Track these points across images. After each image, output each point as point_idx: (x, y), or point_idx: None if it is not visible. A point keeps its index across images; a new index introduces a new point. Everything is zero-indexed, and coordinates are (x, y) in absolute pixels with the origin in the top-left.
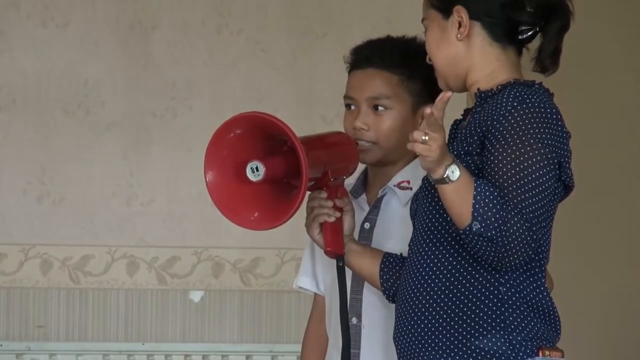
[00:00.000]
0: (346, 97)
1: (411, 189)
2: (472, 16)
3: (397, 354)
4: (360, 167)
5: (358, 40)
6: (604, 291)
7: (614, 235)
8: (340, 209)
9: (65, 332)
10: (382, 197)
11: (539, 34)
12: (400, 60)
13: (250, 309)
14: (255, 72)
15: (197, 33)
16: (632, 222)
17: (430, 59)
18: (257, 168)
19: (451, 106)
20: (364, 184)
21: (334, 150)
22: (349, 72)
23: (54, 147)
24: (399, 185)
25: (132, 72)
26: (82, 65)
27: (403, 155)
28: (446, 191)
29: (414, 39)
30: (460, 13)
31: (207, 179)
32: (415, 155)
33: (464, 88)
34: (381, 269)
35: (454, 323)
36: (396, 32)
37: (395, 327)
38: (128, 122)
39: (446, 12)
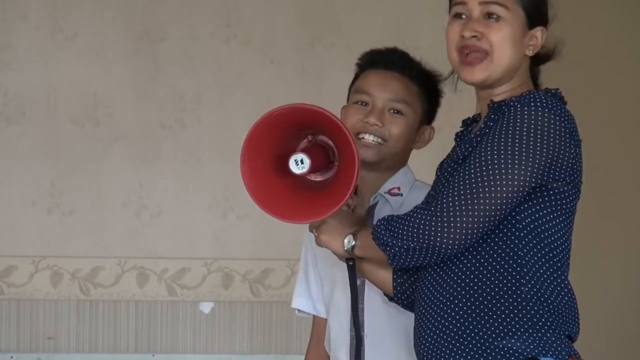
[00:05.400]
0: (362, 92)
1: (402, 194)
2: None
3: None
4: None
5: (366, 50)
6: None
7: (622, 236)
8: (348, 207)
9: (75, 343)
10: (374, 205)
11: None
12: (420, 74)
13: (260, 320)
14: (264, 83)
15: (206, 44)
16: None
17: (492, 46)
18: (302, 161)
19: (454, 108)
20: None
21: None
22: (365, 70)
23: (63, 158)
24: (389, 192)
25: (141, 84)
26: (91, 77)
27: (397, 162)
28: (360, 254)
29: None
30: (543, 34)
31: (243, 173)
32: (404, 163)
33: (485, 86)
34: (395, 272)
35: (478, 324)
36: (404, 42)
37: (416, 334)
38: (137, 134)
39: (532, 23)
